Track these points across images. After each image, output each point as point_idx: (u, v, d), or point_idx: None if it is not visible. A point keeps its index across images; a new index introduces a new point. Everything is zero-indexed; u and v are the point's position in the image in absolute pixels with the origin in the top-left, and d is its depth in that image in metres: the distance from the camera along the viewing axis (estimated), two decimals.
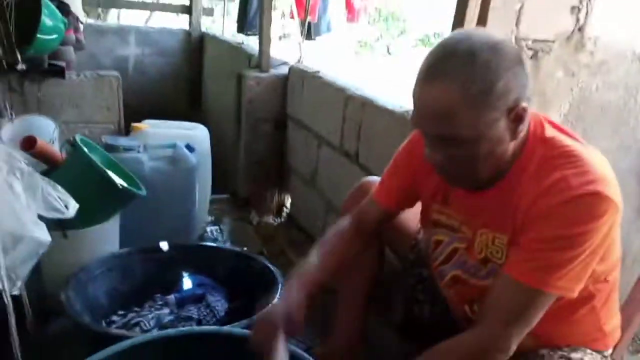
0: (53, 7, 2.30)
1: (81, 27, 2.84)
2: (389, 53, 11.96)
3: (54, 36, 2.30)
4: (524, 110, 1.01)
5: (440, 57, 1.01)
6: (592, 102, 1.72)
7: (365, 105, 2.13)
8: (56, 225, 1.76)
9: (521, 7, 1.52)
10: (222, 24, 4.58)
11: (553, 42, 1.60)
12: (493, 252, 1.15)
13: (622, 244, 1.99)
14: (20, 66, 2.30)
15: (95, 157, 1.89)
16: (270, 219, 2.96)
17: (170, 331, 1.42)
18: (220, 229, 2.78)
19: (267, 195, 3.00)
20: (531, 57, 1.59)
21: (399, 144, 1.86)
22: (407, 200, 1.37)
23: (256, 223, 2.89)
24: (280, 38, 3.10)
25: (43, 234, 1.35)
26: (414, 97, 1.04)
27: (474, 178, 1.11)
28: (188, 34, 4.59)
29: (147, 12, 5.68)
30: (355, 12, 3.17)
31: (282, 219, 2.99)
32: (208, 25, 4.88)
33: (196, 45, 4.59)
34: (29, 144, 1.91)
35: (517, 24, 1.53)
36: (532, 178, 1.06)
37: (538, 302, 1.05)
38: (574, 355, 1.21)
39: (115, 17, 5.82)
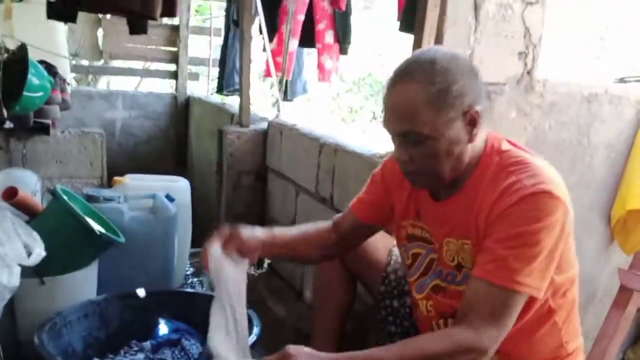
0: (40, 67, 2.43)
1: (67, 88, 2.97)
2: (375, 118, 12.24)
3: (40, 94, 2.41)
4: (478, 114, 1.14)
5: (405, 65, 1.17)
6: (547, 140, 1.83)
7: (338, 151, 2.23)
8: (33, 271, 1.79)
9: (471, 53, 1.64)
10: (207, 86, 4.76)
11: (504, 84, 1.72)
12: (465, 258, 1.22)
13: (591, 279, 2.05)
14: (7, 124, 2.40)
15: (75, 206, 1.95)
16: (251, 270, 2.97)
17: None
18: (200, 281, 2.79)
19: None
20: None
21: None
22: (380, 215, 1.44)
23: None
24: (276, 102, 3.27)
25: (12, 279, 1.37)
26: (383, 100, 1.19)
27: (436, 178, 1.19)
28: (174, 97, 4.76)
29: (138, 79, 5.87)
30: (326, 73, 3.33)
31: (264, 270, 3.00)
32: (195, 87, 5.06)
33: (182, 108, 4.75)
34: (10, 195, 1.97)
35: None
36: (489, 185, 1.16)
37: (510, 301, 1.10)
38: None
39: (106, 84, 6.01)
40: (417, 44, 1.55)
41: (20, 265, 1.38)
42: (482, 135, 1.20)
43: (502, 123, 1.73)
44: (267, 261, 3.06)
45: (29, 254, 1.41)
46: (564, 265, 1.20)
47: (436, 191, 1.27)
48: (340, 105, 7.56)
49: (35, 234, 1.53)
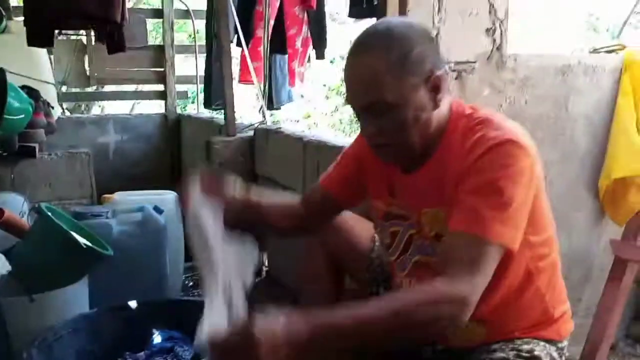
0: (20, 90, 2.45)
1: (52, 112, 2.99)
2: None
3: (22, 116, 2.43)
4: (440, 79, 1.14)
5: (363, 37, 1.17)
6: (524, 116, 1.82)
7: (320, 147, 2.23)
8: (22, 289, 1.79)
9: (437, 34, 1.65)
10: (196, 104, 4.79)
11: (475, 62, 1.72)
12: (442, 228, 1.19)
13: (585, 255, 2.03)
14: None
15: (61, 223, 1.95)
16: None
17: None
18: (198, 293, 2.78)
19: None
20: (456, 78, 1.70)
21: None
22: (350, 192, 1.42)
23: None
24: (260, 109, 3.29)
25: None
26: (344, 76, 1.17)
27: (405, 148, 1.18)
28: (165, 117, 4.78)
29: (132, 102, 5.92)
30: (298, 77, 3.34)
31: (262, 278, 2.99)
32: (186, 105, 5.09)
33: (173, 126, 4.76)
34: None
35: None
36: (458, 148, 1.16)
37: (484, 250, 1.06)
38: (525, 347, 1.23)
39: (99, 110, 6.06)
40: None
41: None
42: (446, 102, 1.19)
43: (475, 101, 1.72)
44: (265, 269, 3.05)
45: None
46: (538, 225, 1.18)
47: (407, 163, 1.25)
48: (341, 119, 7.51)
49: None
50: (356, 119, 1.22)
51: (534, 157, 1.12)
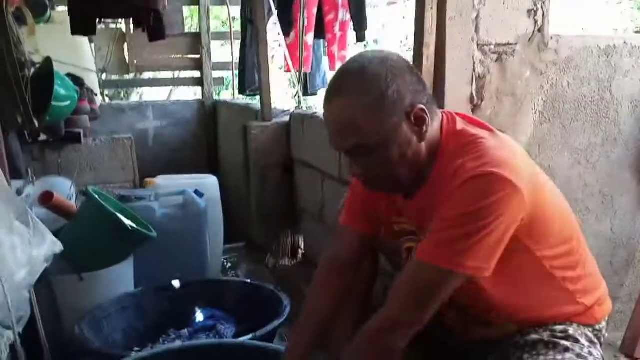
0: (66, 78, 2.53)
1: (95, 98, 3.08)
2: None
3: (68, 103, 2.52)
4: (423, 111, 1.11)
5: (336, 79, 1.15)
6: (567, 98, 1.79)
7: None
8: (72, 269, 1.88)
9: (477, 15, 1.62)
10: (231, 89, 4.85)
11: (515, 44, 1.69)
12: None
13: (628, 240, 1.99)
14: (41, 136, 2.51)
15: (107, 205, 2.02)
16: (286, 261, 3.01)
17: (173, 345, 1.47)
18: (236, 274, 2.85)
19: (281, 238, 3.07)
20: (496, 61, 1.68)
21: None
22: (374, 221, 1.39)
23: (272, 266, 2.95)
24: (296, 94, 3.31)
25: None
26: (324, 120, 1.16)
27: (395, 182, 1.18)
28: (202, 103, 4.86)
29: (169, 89, 6.02)
30: (336, 62, 3.34)
31: (298, 260, 3.04)
32: (221, 91, 5.15)
33: (210, 112, 4.84)
34: (46, 199, 2.06)
35: (476, 31, 1.64)
36: (446, 169, 1.13)
37: (438, 279, 1.08)
38: (558, 327, 1.23)
39: (138, 96, 6.19)
40: (420, 8, 1.55)
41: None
42: (435, 125, 1.16)
43: (517, 83, 1.71)
44: (301, 251, 3.10)
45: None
46: (541, 233, 1.16)
47: (402, 192, 1.25)
48: None
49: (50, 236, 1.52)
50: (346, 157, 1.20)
51: (514, 188, 1.05)
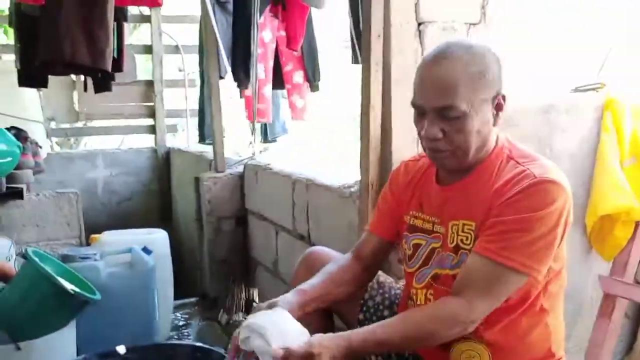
0: (7, 133, 2.45)
1: (40, 151, 2.98)
2: None
3: (9, 159, 2.43)
4: (504, 99, 1.24)
5: (444, 47, 1.24)
6: None
7: (309, 186, 2.24)
8: (8, 337, 1.76)
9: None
10: (187, 136, 4.80)
11: None
12: (463, 239, 1.27)
13: (575, 290, 2.03)
14: None
15: (49, 268, 1.92)
16: (239, 316, 2.93)
17: None
18: (188, 333, 2.75)
19: (234, 292, 3.00)
20: None
21: (339, 216, 1.94)
22: (395, 228, 1.47)
23: (225, 322, 2.86)
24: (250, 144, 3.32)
25: None
26: (420, 78, 1.25)
27: (462, 154, 1.24)
28: (154, 151, 4.79)
29: (122, 136, 5.91)
30: (298, 111, 3.40)
31: None
32: (179, 136, 5.08)
33: (163, 160, 4.77)
34: None
35: None
36: (498, 173, 1.24)
37: (506, 279, 1.17)
38: None
39: (88, 144, 6.04)
40: (366, 75, 1.58)
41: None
42: (495, 128, 1.28)
43: None
44: (255, 305, 3.03)
45: None
46: (558, 255, 1.24)
47: (451, 172, 1.32)
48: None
49: None
50: (417, 118, 1.27)
51: (570, 199, 1.20)
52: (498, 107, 1.24)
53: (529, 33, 1.79)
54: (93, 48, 2.37)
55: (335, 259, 1.53)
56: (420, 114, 1.25)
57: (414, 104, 1.27)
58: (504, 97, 1.24)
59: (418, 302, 1.37)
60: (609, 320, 1.94)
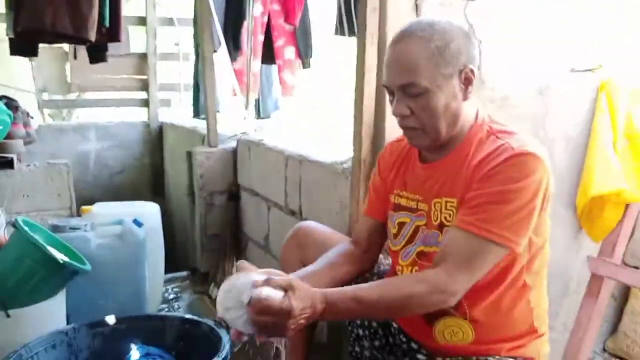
0: None
1: (31, 121, 2.95)
2: None
3: None
4: (472, 72, 1.23)
5: (407, 27, 1.26)
6: None
7: (302, 162, 2.23)
8: None
9: None
10: (180, 111, 4.75)
11: None
12: (446, 217, 1.28)
13: (563, 270, 2.05)
14: None
15: (39, 237, 1.92)
16: None
17: None
18: (178, 306, 2.76)
19: (225, 267, 3.01)
20: None
21: (331, 192, 1.94)
22: (385, 209, 1.48)
23: (215, 296, 2.87)
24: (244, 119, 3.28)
25: None
26: (386, 58, 1.27)
27: (433, 133, 1.25)
28: (147, 125, 4.75)
29: (113, 109, 5.84)
30: (288, 87, 3.36)
31: None
32: (169, 112, 5.04)
33: (156, 135, 4.73)
34: None
35: None
36: (477, 148, 1.25)
37: (485, 251, 1.17)
38: None
39: (81, 117, 5.98)
40: (361, 49, 1.57)
41: None
42: (473, 103, 1.28)
43: None
44: None
45: None
46: (540, 228, 1.25)
47: (429, 150, 1.33)
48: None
49: None
50: (390, 99, 1.29)
51: (549, 171, 1.20)
52: (467, 81, 1.24)
53: (528, 11, 1.77)
54: (75, 17, 2.33)
55: (328, 239, 1.55)
56: (390, 93, 1.28)
57: (384, 85, 1.29)
58: (472, 71, 1.23)
59: None
60: (595, 300, 1.96)
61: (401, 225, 1.39)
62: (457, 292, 1.17)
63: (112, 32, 2.68)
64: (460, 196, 1.24)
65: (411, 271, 1.35)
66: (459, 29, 1.25)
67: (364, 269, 1.50)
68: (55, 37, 2.62)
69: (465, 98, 1.25)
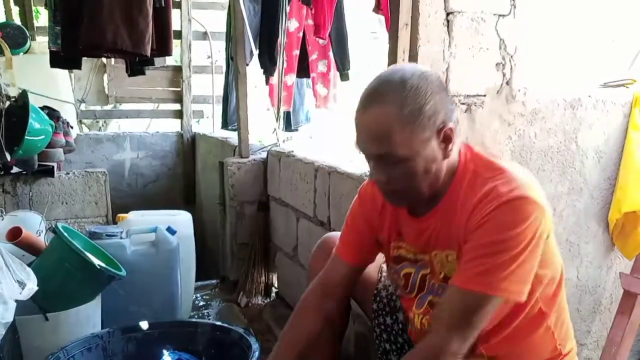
0: (41, 112, 2.52)
1: (71, 131, 3.06)
2: None
3: (42, 137, 2.50)
4: (452, 130, 1.15)
5: (376, 86, 1.17)
6: (534, 148, 1.84)
7: (331, 173, 2.26)
8: (37, 308, 1.83)
9: (447, 67, 1.68)
10: (212, 123, 4.86)
11: (484, 96, 1.74)
12: (450, 270, 1.23)
13: (595, 286, 2.03)
14: (14, 169, 2.48)
15: (77, 243, 1.99)
16: (258, 300, 2.98)
17: None
18: (208, 313, 2.81)
19: (254, 276, 3.05)
20: (465, 111, 1.72)
21: None
22: (369, 251, 1.43)
23: (244, 305, 2.92)
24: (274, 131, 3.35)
25: (6, 315, 1.39)
26: (355, 122, 1.18)
27: (415, 195, 1.20)
28: (180, 135, 4.86)
29: (148, 120, 6.00)
30: (321, 99, 3.42)
31: (271, 299, 3.01)
32: (202, 123, 5.15)
33: (188, 145, 4.84)
34: (14, 235, 2.03)
35: (446, 82, 1.69)
36: (467, 194, 1.17)
37: (483, 305, 1.11)
38: None
39: (116, 127, 6.16)
40: (392, 61, 1.59)
41: (15, 300, 1.41)
42: (456, 148, 1.21)
43: (485, 133, 1.76)
44: (274, 289, 3.08)
45: (23, 289, 1.43)
46: (549, 261, 1.21)
47: (415, 208, 1.28)
48: None
49: (28, 270, 1.56)
50: (366, 160, 1.22)
51: (543, 209, 1.12)
52: (446, 140, 1.15)
53: (559, 26, 1.77)
54: (134, 33, 2.41)
55: (298, 308, 1.48)
56: (366, 157, 1.20)
57: (357, 149, 1.21)
58: (452, 129, 1.15)
59: (414, 327, 1.36)
60: (628, 317, 1.93)
61: (407, 276, 1.35)
62: (456, 351, 1.12)
63: (162, 46, 2.73)
64: (458, 247, 1.19)
65: (421, 320, 1.33)
66: (434, 83, 1.15)
67: (336, 321, 1.50)
68: (112, 52, 2.70)
69: (445, 157, 1.17)
